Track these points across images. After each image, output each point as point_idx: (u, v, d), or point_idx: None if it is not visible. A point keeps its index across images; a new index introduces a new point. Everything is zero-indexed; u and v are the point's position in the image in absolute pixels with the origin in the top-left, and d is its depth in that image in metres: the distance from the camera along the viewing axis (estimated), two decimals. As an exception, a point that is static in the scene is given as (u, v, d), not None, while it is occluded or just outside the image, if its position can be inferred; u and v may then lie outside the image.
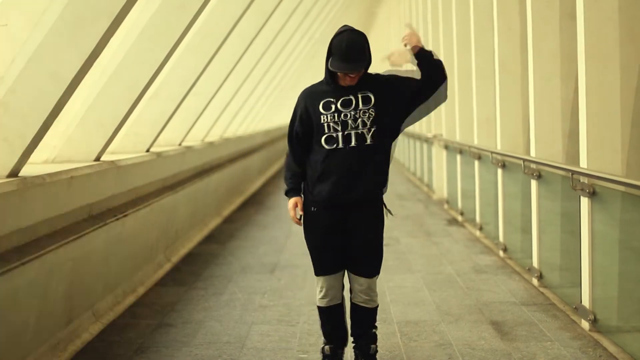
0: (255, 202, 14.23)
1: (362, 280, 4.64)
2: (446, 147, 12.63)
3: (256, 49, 12.50)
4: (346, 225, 4.59)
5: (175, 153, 8.68)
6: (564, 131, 7.39)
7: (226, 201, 12.75)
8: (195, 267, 8.18)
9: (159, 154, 7.79)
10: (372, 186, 4.56)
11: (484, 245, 9.21)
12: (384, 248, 4.76)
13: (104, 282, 6.18)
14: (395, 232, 10.15)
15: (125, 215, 6.46)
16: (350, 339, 4.84)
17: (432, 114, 14.75)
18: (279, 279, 7.56)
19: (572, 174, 5.91)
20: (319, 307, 4.75)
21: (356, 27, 4.50)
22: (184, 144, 9.69)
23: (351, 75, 4.47)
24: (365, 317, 4.74)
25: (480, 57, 10.33)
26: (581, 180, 5.75)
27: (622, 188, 5.26)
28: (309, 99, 4.59)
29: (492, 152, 8.90)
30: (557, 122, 7.40)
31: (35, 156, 5.83)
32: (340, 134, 4.49)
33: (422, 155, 16.45)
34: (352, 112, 4.49)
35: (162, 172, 8.08)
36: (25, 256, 4.59)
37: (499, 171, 8.60)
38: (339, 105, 4.50)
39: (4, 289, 4.35)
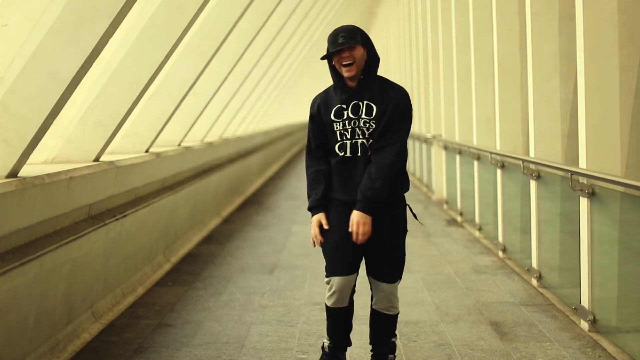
0: (254, 203, 14.23)
1: (384, 285, 4.56)
2: (445, 148, 12.63)
3: (255, 50, 12.51)
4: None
5: (174, 153, 8.68)
6: (563, 131, 7.39)
7: (225, 202, 12.76)
8: (195, 267, 8.18)
9: (158, 155, 7.79)
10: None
11: (483, 245, 9.21)
12: None
13: (104, 283, 6.18)
14: (395, 232, 10.13)
15: (124, 216, 6.46)
16: (368, 346, 4.77)
17: (431, 114, 14.90)
18: (278, 279, 7.56)
19: (571, 175, 5.91)
20: (325, 305, 4.65)
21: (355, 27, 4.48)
22: (184, 144, 9.69)
23: (344, 63, 4.42)
24: (386, 324, 4.66)
25: (479, 57, 10.33)
26: (580, 181, 5.75)
27: (621, 188, 5.26)
28: (322, 106, 4.56)
29: (491, 153, 8.90)
30: (556, 122, 7.40)
31: (34, 156, 5.84)
32: (348, 142, 4.48)
33: (421, 155, 16.45)
34: (358, 121, 4.47)
35: (161, 172, 8.08)
36: (25, 256, 4.59)
37: (498, 172, 8.60)
38: (350, 112, 4.48)
39: (3, 289, 4.34)
